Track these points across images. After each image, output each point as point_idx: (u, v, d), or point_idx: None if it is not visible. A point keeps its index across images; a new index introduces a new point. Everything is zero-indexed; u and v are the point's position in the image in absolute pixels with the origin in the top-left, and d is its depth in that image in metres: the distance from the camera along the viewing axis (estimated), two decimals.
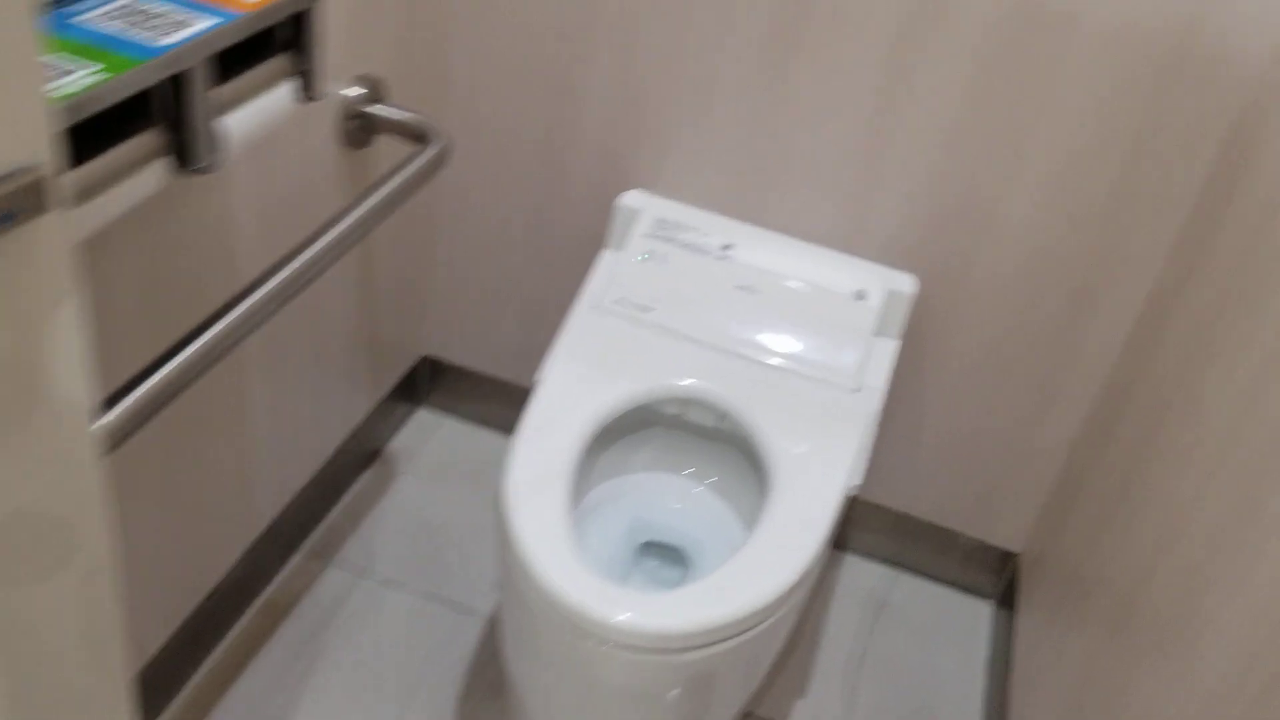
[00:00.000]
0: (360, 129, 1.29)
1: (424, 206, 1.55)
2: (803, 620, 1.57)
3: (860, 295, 1.33)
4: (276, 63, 1.06)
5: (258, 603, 1.43)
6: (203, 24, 0.88)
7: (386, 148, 1.36)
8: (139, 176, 0.90)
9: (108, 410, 0.82)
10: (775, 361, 1.27)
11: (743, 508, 1.30)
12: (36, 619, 0.59)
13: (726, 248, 1.35)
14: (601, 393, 1.21)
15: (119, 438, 0.83)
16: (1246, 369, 0.97)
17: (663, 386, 1.23)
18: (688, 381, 1.24)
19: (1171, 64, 1.18)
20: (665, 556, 1.32)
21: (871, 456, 1.57)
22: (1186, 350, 1.14)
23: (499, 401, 1.71)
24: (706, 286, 1.32)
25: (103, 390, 0.88)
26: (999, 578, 1.61)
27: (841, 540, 1.67)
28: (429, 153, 1.23)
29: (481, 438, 1.74)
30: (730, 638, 1.02)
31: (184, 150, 0.93)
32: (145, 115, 0.90)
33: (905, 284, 1.35)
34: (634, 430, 1.32)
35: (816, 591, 1.61)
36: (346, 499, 1.60)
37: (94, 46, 0.82)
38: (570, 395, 1.20)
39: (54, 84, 0.76)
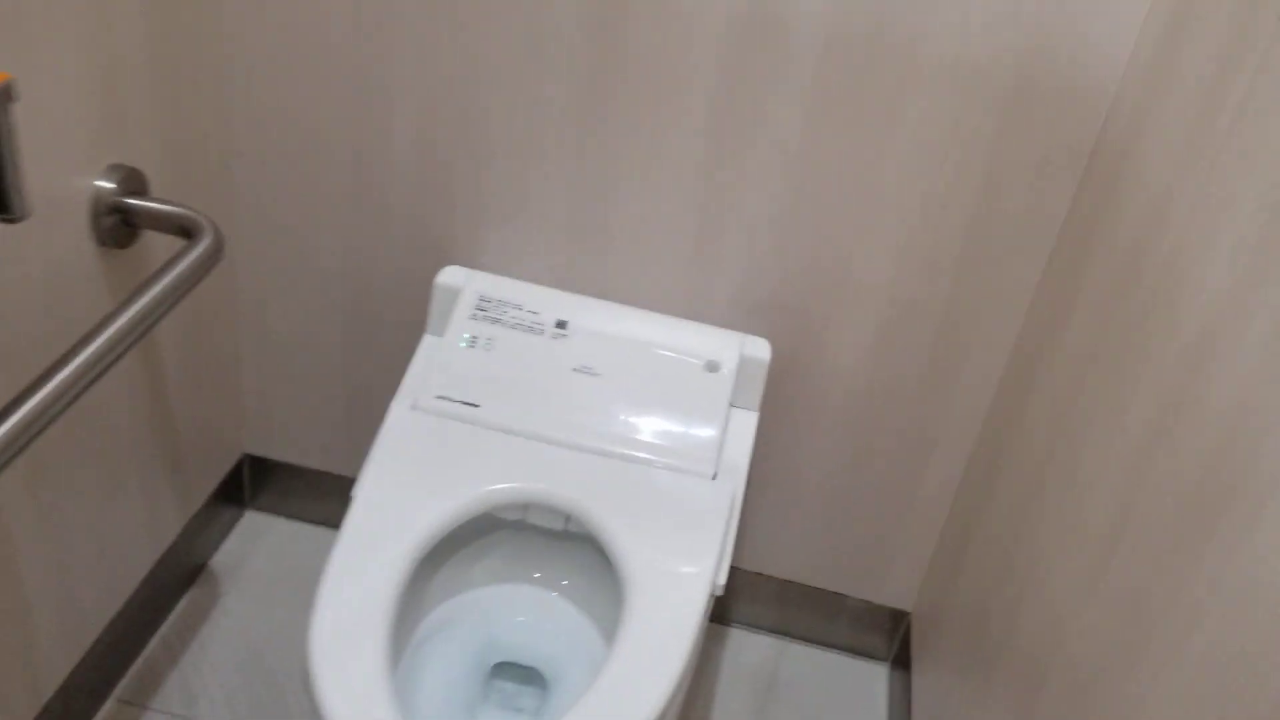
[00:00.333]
0: (121, 225, 1.11)
1: (222, 296, 1.37)
2: (687, 709, 1.43)
3: (712, 366, 1.20)
4: None
5: None
6: None
7: (162, 244, 1.18)
8: None
9: None
10: (622, 451, 1.13)
11: (598, 613, 1.16)
12: None
13: (560, 325, 1.20)
14: (425, 509, 1.05)
15: None
16: (1128, 431, 0.87)
17: (496, 493, 1.08)
18: (524, 484, 1.09)
19: (1015, 95, 1.08)
20: (521, 677, 1.17)
21: (747, 523, 1.45)
22: (1061, 403, 1.04)
23: (331, 497, 1.54)
24: (540, 372, 1.17)
25: None
26: (892, 639, 1.51)
27: (722, 613, 1.54)
28: (197, 249, 1.06)
29: (315, 538, 1.56)
30: None
31: None
32: None
33: (759, 349, 1.22)
34: (473, 539, 1.17)
35: (699, 676, 1.48)
36: (164, 630, 1.41)
37: None
38: (388, 516, 1.04)
39: None
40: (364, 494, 1.06)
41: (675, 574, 1.03)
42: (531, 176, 1.21)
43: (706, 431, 1.15)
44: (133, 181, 1.10)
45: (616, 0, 1.10)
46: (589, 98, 1.15)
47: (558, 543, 1.18)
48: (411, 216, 1.27)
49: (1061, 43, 1.05)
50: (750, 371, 1.21)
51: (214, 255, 1.08)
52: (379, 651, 0.92)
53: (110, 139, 1.06)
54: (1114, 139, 1.05)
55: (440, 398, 1.14)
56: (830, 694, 1.48)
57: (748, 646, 1.53)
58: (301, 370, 1.44)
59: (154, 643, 1.39)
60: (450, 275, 1.24)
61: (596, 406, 1.15)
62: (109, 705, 1.31)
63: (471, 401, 1.14)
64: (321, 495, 1.55)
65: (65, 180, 1.02)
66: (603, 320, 1.22)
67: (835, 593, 1.49)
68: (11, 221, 0.82)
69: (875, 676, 1.52)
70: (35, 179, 0.96)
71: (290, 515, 1.58)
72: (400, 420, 1.12)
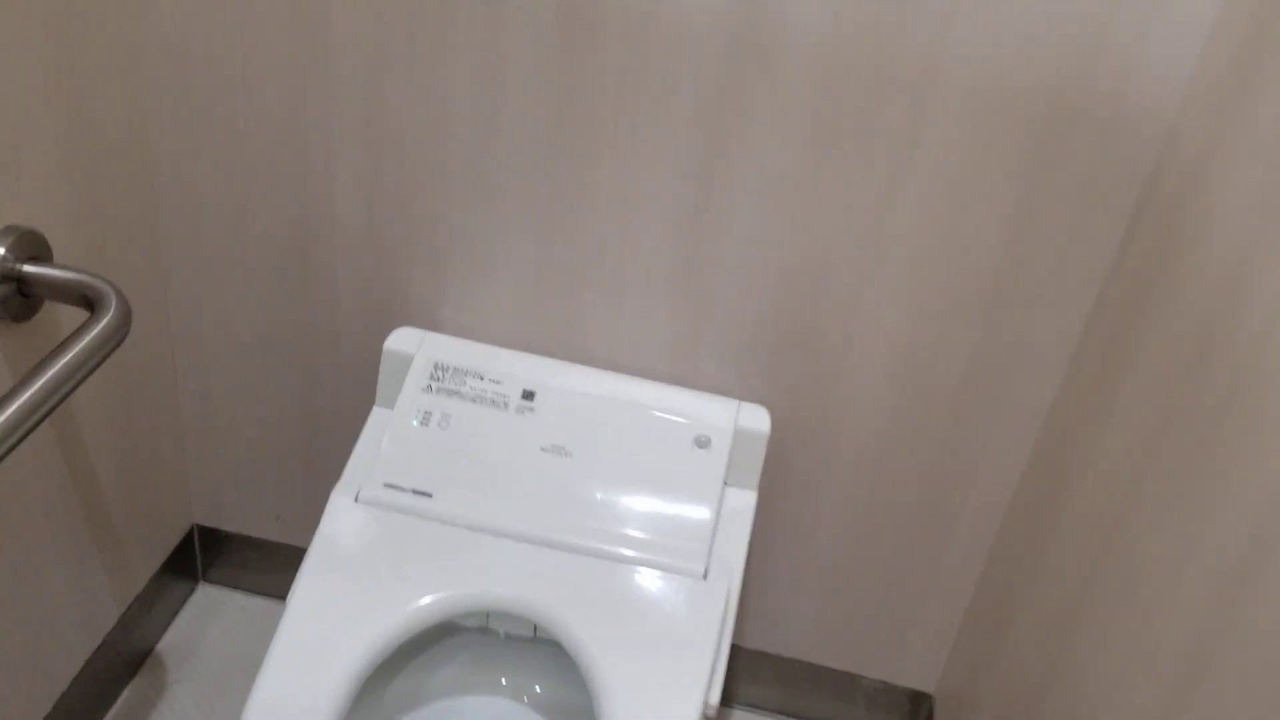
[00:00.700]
0: (18, 294, 0.96)
1: (158, 364, 1.22)
2: None
3: (702, 441, 1.04)
4: None
5: None
6: None
7: (70, 316, 1.04)
8: None
9: None
10: (598, 548, 0.98)
11: None
12: None
13: (527, 396, 1.05)
14: (370, 622, 0.90)
15: None
16: (1203, 560, 0.72)
17: (452, 600, 0.93)
18: (485, 590, 0.94)
19: (1055, 126, 0.92)
20: None
21: (750, 596, 1.29)
22: (1110, 500, 0.89)
23: (291, 569, 1.39)
24: (503, 453, 1.02)
25: None
26: None
27: (725, 694, 1.39)
28: (100, 323, 0.92)
29: (274, 613, 1.42)
30: None
31: None
32: None
33: (757, 418, 1.07)
34: (430, 644, 1.02)
35: None
36: None
37: None
38: (326, 628, 0.89)
39: None
40: (297, 604, 0.91)
41: (659, 700, 0.88)
42: (494, 218, 1.06)
43: (696, 520, 1.00)
44: (29, 246, 0.95)
45: (586, 21, 0.94)
46: (557, 132, 1.00)
47: (527, 646, 1.03)
48: (359, 271, 1.12)
49: (1109, 66, 0.88)
50: (746, 446, 1.06)
51: (119, 328, 0.93)
52: None
53: (3, 198, 0.92)
54: (1169, 185, 0.89)
55: (389, 486, 0.99)
56: None
57: None
58: (251, 438, 1.29)
59: None
60: (401, 339, 1.09)
61: (568, 494, 1.00)
62: None
63: (424, 490, 0.99)
64: (280, 567, 1.40)
65: None
66: (575, 389, 1.06)
67: (848, 672, 1.33)
68: None
69: None
70: None
71: (247, 589, 1.43)
72: (341, 514, 0.97)
